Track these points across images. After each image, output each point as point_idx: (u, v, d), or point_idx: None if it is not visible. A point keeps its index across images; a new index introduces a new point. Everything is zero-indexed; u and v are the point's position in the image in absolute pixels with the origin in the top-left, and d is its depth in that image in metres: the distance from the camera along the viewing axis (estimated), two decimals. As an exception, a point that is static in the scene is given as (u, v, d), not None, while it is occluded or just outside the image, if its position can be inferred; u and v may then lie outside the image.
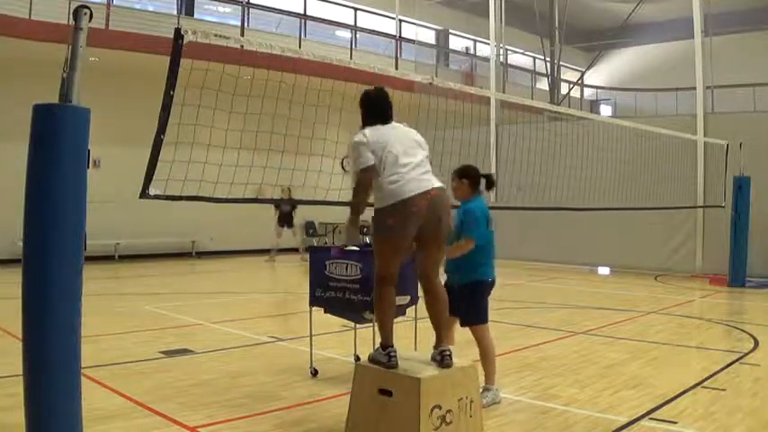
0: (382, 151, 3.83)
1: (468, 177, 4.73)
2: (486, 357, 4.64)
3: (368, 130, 3.93)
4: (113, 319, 7.67)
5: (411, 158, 3.86)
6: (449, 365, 3.79)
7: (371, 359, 3.87)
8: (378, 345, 3.91)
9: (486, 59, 18.47)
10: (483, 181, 4.78)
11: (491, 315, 4.75)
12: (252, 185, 5.22)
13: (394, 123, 4.04)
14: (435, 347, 3.91)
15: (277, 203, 14.72)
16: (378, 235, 3.85)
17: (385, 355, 3.77)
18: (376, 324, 4.10)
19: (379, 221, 3.83)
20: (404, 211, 3.74)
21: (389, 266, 3.85)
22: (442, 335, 3.93)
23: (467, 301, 4.57)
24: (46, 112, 3.09)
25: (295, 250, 15.79)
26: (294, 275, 13.31)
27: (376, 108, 4.03)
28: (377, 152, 3.84)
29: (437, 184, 3.89)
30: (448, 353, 3.82)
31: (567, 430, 4.11)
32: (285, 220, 15.34)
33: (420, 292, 4.24)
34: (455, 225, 4.46)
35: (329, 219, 17.96)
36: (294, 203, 14.61)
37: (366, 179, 3.84)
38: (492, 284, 4.73)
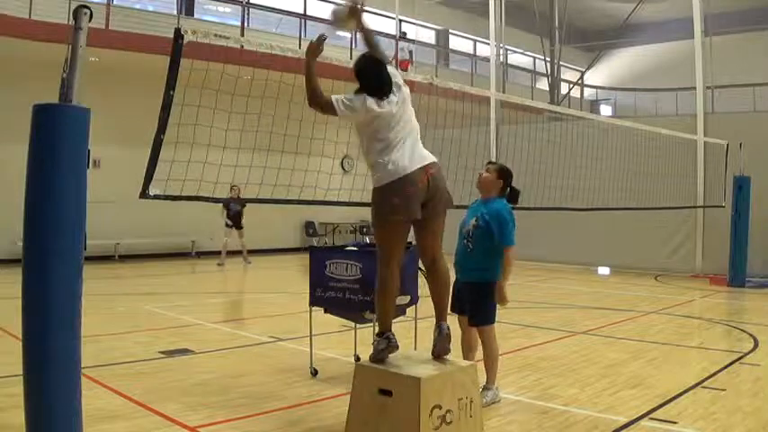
0: (386, 130, 3.73)
1: (505, 179, 4.77)
2: (491, 358, 4.64)
3: (380, 102, 3.75)
4: (113, 319, 7.67)
5: (407, 135, 3.80)
6: (447, 338, 3.79)
7: (372, 359, 3.86)
8: (374, 338, 3.89)
9: (487, 59, 18.47)
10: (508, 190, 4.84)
11: (492, 315, 4.73)
12: (252, 185, 5.22)
13: (392, 97, 3.80)
14: (435, 324, 3.89)
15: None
16: (380, 217, 3.76)
17: (384, 340, 3.76)
18: (376, 317, 4.04)
19: (382, 201, 3.72)
20: (407, 189, 3.67)
21: (393, 249, 3.78)
22: (441, 313, 3.91)
23: (476, 302, 4.57)
24: (46, 112, 3.10)
25: (239, 253, 14.77)
26: (293, 276, 13.30)
27: (370, 79, 3.83)
28: (377, 125, 3.73)
29: (432, 158, 3.85)
30: (446, 327, 3.83)
31: (567, 430, 4.11)
32: (234, 221, 14.36)
33: (421, 281, 4.22)
34: (478, 224, 4.57)
35: (329, 219, 17.96)
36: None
37: (325, 103, 3.70)
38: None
